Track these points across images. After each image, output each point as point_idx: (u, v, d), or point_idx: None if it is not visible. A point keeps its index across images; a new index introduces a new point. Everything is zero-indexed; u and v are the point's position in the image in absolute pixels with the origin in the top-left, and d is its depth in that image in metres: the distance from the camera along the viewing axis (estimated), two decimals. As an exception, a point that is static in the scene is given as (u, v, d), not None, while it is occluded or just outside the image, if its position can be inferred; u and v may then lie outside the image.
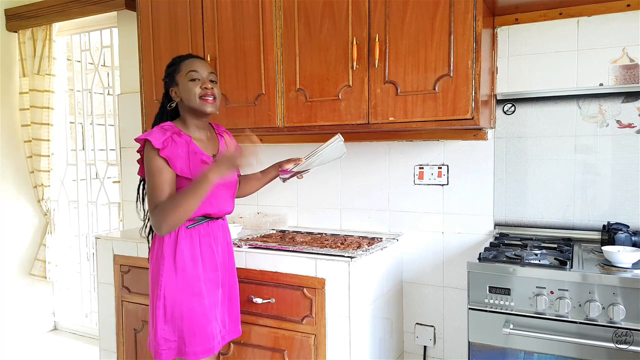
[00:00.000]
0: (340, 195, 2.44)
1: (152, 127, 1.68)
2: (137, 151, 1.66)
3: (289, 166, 1.80)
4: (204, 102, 1.61)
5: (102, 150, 3.56)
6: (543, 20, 1.99)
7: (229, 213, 1.78)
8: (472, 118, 1.76)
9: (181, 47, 2.35)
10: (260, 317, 1.93)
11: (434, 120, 1.83)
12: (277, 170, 1.84)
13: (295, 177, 1.83)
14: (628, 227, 1.83)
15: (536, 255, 1.67)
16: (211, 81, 1.65)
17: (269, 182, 1.91)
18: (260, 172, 1.91)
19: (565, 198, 2.01)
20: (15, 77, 3.33)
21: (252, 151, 1.52)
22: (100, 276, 2.41)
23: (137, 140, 1.62)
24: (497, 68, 2.08)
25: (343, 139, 1.74)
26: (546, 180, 2.04)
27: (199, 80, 1.62)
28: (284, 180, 1.84)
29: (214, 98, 1.64)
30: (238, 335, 1.81)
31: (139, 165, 1.70)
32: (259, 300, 1.91)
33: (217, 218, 1.72)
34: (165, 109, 1.72)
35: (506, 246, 1.88)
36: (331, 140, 1.73)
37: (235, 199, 1.82)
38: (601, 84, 1.92)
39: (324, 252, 1.88)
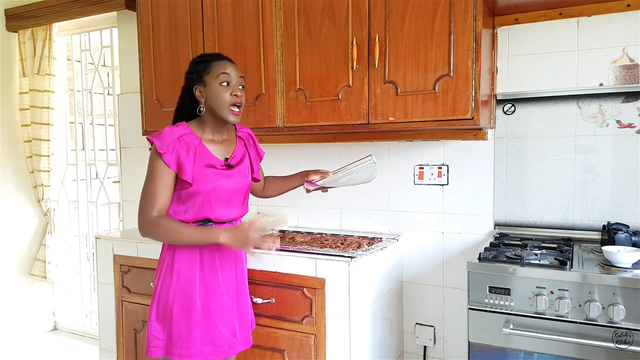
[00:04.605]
0: (340, 195, 2.44)
1: (173, 120, 1.69)
2: (150, 149, 1.64)
3: (316, 177, 1.77)
4: (231, 112, 1.59)
5: (102, 150, 3.56)
6: (543, 20, 1.99)
7: (235, 219, 1.71)
8: (472, 118, 1.76)
9: (181, 47, 2.35)
10: (260, 317, 1.92)
11: (434, 120, 1.82)
12: (303, 180, 1.81)
13: (320, 190, 1.80)
14: (628, 227, 1.83)
15: (536, 255, 1.67)
16: (241, 86, 1.62)
17: (293, 188, 1.89)
18: (286, 177, 1.89)
19: (565, 198, 2.01)
20: (15, 77, 3.33)
21: (261, 228, 1.51)
22: (100, 276, 2.41)
23: (148, 139, 1.60)
24: (497, 68, 2.08)
25: (376, 162, 1.68)
26: (546, 180, 2.04)
27: (229, 85, 1.59)
28: (308, 191, 1.81)
29: (240, 108, 1.61)
30: (249, 346, 1.74)
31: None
32: (259, 300, 1.91)
33: (222, 222, 1.67)
34: (185, 104, 1.67)
35: (506, 246, 1.88)
36: (364, 159, 1.69)
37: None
38: (601, 84, 1.92)
39: (324, 252, 1.88)
